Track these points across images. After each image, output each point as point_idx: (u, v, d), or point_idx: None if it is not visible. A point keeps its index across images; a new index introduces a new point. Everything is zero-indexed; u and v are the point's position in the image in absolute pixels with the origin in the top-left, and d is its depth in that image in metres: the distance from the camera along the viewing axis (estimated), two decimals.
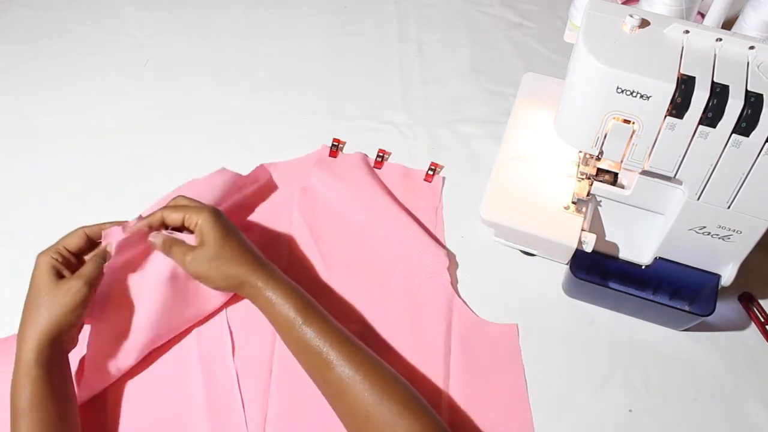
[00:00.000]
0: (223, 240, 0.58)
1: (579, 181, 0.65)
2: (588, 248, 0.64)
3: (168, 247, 0.59)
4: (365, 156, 0.79)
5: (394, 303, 0.67)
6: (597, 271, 0.68)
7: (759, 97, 0.49)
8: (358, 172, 0.75)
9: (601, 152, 0.58)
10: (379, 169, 0.78)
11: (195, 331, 0.64)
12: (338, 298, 0.67)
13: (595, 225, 0.68)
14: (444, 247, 0.71)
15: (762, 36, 0.76)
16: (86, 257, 0.58)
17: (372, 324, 0.66)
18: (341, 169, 0.76)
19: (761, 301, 0.68)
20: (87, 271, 0.56)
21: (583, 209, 0.66)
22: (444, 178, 0.78)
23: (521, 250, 0.72)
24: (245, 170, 0.77)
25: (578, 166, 0.65)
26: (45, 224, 0.73)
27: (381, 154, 0.79)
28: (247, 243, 0.60)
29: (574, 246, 0.64)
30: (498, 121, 0.84)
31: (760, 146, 0.51)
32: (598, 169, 0.65)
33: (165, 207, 0.60)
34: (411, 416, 0.51)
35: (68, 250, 0.57)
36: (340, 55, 0.93)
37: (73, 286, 0.54)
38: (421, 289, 0.68)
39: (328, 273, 0.69)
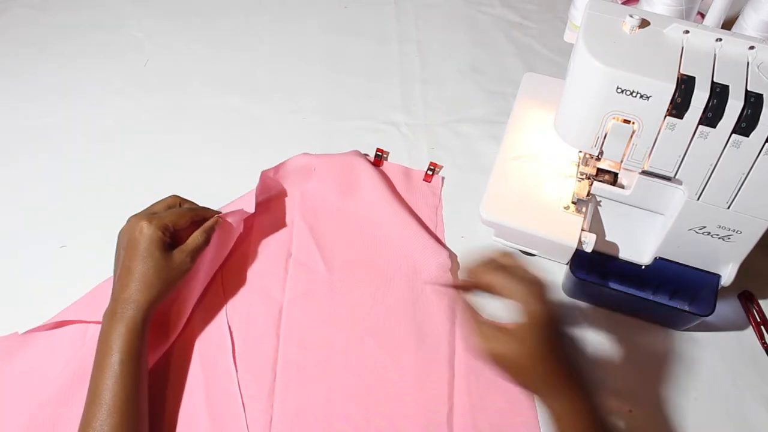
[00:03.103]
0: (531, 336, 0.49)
1: (579, 181, 0.65)
2: (588, 248, 0.64)
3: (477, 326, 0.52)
4: (365, 155, 0.79)
5: (396, 304, 0.67)
6: (597, 271, 0.68)
7: (759, 97, 0.49)
8: (359, 172, 0.75)
9: (601, 152, 0.58)
10: (379, 166, 0.78)
11: (195, 330, 0.64)
12: (340, 299, 0.67)
13: (595, 225, 0.68)
14: (445, 247, 0.71)
15: (762, 36, 0.76)
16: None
17: (375, 325, 0.65)
18: (342, 169, 0.76)
19: (761, 301, 0.68)
20: (194, 247, 0.60)
21: (583, 209, 0.66)
22: (443, 178, 0.78)
23: (521, 250, 0.72)
24: (245, 170, 0.77)
25: (578, 166, 0.65)
26: (45, 224, 0.74)
27: (379, 153, 0.79)
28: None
29: (574, 246, 0.64)
30: (498, 121, 0.84)
31: (760, 146, 0.51)
32: (598, 169, 0.65)
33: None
34: None
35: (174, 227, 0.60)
36: (340, 55, 0.93)
37: (184, 260, 0.59)
38: (423, 290, 0.68)
39: (330, 275, 0.69)
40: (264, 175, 0.72)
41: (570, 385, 0.50)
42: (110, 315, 0.56)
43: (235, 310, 0.66)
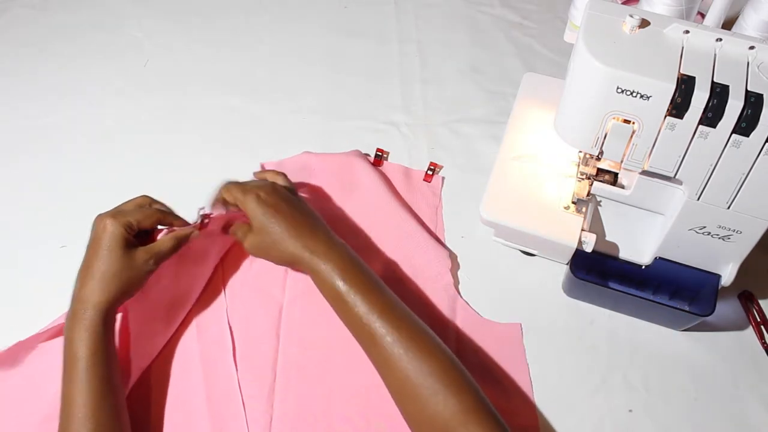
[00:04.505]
0: (267, 224, 0.59)
1: (579, 181, 0.65)
2: (588, 248, 0.64)
3: (234, 231, 0.62)
4: (365, 155, 0.79)
5: None
6: (597, 271, 0.68)
7: (759, 97, 0.49)
8: (359, 171, 0.75)
9: (601, 152, 0.58)
10: (379, 166, 0.78)
11: (195, 330, 0.64)
12: None
13: (595, 225, 0.68)
14: (446, 247, 0.71)
15: (762, 36, 0.76)
16: (161, 236, 0.60)
17: None
18: (341, 169, 0.76)
19: (761, 301, 0.68)
20: (159, 249, 0.58)
21: (583, 209, 0.66)
22: (443, 178, 0.78)
23: (521, 250, 0.72)
24: (245, 170, 0.77)
25: (578, 166, 0.65)
26: (45, 224, 0.74)
27: (379, 153, 0.79)
28: (298, 218, 0.60)
29: (574, 246, 0.64)
30: (498, 121, 0.84)
31: (760, 146, 0.51)
32: (598, 169, 0.65)
33: (223, 189, 0.63)
34: (451, 389, 0.51)
35: (139, 226, 0.59)
36: (340, 55, 0.93)
37: (147, 260, 0.57)
38: (424, 291, 0.68)
39: None
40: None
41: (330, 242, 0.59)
42: (71, 318, 0.55)
43: (235, 309, 0.66)
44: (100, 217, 0.57)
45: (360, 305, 0.55)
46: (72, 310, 0.55)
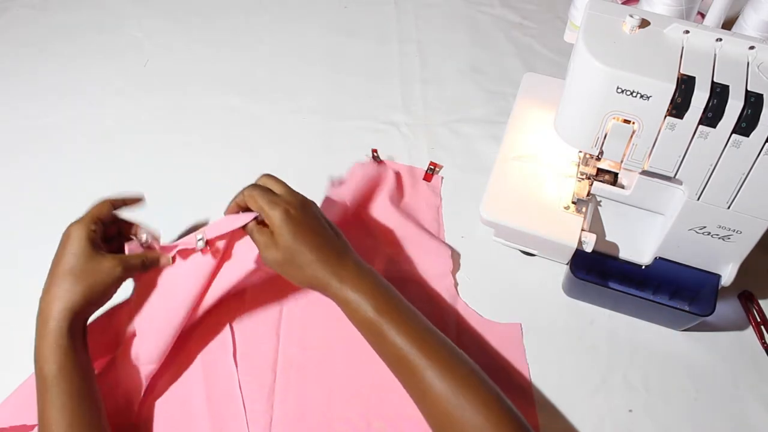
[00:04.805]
0: (294, 246, 0.54)
1: (579, 181, 0.65)
2: (588, 248, 0.64)
3: (252, 231, 0.57)
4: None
5: None
6: (597, 271, 0.68)
7: (759, 97, 0.49)
8: (359, 172, 0.75)
9: (601, 152, 0.58)
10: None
11: (197, 331, 0.64)
12: None
13: (595, 225, 0.68)
14: (449, 246, 0.71)
15: (762, 36, 0.76)
16: (129, 250, 0.57)
17: None
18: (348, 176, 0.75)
19: (761, 301, 0.68)
20: (129, 261, 0.55)
21: (583, 209, 0.66)
22: (443, 178, 0.78)
23: (521, 250, 0.72)
24: (245, 170, 0.77)
25: (578, 166, 0.65)
26: (45, 224, 0.73)
27: (375, 154, 0.78)
28: (324, 241, 0.56)
29: (574, 246, 0.64)
30: (498, 121, 0.84)
31: (760, 146, 0.51)
32: (598, 169, 0.65)
33: (247, 195, 0.57)
34: (494, 419, 0.49)
35: (102, 221, 0.56)
36: (340, 55, 0.93)
37: (114, 267, 0.54)
38: (425, 290, 0.68)
39: None
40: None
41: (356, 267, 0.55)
42: (36, 333, 0.52)
43: (236, 309, 0.66)
44: (66, 229, 0.55)
45: (395, 336, 0.52)
46: (37, 319, 0.52)
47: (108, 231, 0.58)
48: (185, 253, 0.60)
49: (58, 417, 0.50)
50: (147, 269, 0.57)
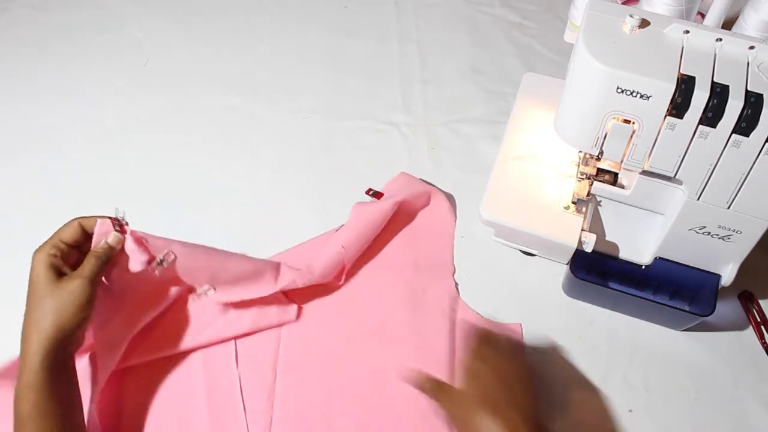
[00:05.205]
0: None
1: (579, 181, 0.65)
2: (588, 248, 0.64)
3: (431, 391, 0.54)
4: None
5: (398, 305, 0.67)
6: (597, 271, 0.68)
7: (759, 97, 0.49)
8: (359, 213, 0.71)
9: (601, 152, 0.58)
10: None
11: (198, 331, 0.64)
12: (341, 300, 0.67)
13: (595, 225, 0.68)
14: (451, 248, 0.71)
15: (762, 36, 0.76)
16: (97, 233, 0.54)
17: (376, 326, 0.65)
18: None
19: (761, 301, 0.68)
20: (88, 269, 0.52)
21: (583, 209, 0.66)
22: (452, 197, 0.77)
23: (521, 250, 0.72)
24: (245, 170, 0.77)
25: (578, 166, 0.65)
26: (44, 225, 0.73)
27: (371, 192, 0.75)
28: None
29: (574, 246, 0.64)
30: (498, 121, 0.84)
31: (760, 146, 0.51)
32: (598, 169, 0.65)
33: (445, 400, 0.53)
34: None
35: (65, 243, 0.53)
36: (340, 55, 0.93)
37: (77, 286, 0.51)
38: (425, 292, 0.68)
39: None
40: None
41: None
42: (20, 367, 0.50)
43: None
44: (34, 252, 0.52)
45: None
46: (20, 363, 0.50)
47: (81, 249, 0.54)
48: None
49: None
50: (109, 261, 0.53)
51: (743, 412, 0.62)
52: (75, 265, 0.53)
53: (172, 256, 0.57)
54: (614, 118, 0.54)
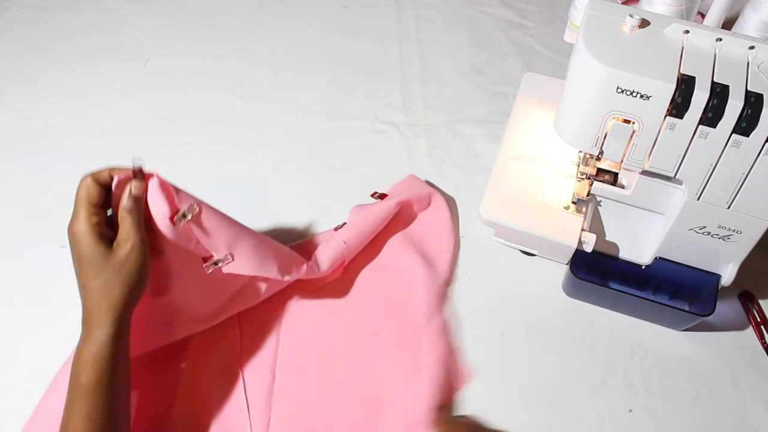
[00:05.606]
0: None
1: (579, 181, 0.65)
2: (588, 248, 0.64)
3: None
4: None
5: (397, 306, 0.67)
6: (597, 271, 0.68)
7: (759, 97, 0.49)
8: (360, 213, 0.71)
9: (601, 152, 0.58)
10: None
11: (206, 331, 0.64)
12: (341, 300, 0.67)
13: (595, 225, 0.68)
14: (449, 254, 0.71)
15: (762, 36, 0.76)
16: (117, 182, 0.52)
17: (375, 326, 0.66)
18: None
19: (761, 301, 0.68)
20: (134, 230, 0.50)
21: (583, 209, 0.66)
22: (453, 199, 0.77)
23: (521, 250, 0.72)
24: (245, 170, 0.77)
25: (578, 166, 0.65)
26: (45, 224, 0.74)
27: (376, 194, 0.75)
28: None
29: (574, 246, 0.64)
30: (498, 121, 0.84)
31: (760, 146, 0.51)
32: (598, 169, 0.65)
33: None
34: None
35: (97, 206, 0.51)
36: (340, 55, 0.93)
37: (133, 250, 0.49)
38: (422, 291, 0.67)
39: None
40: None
41: None
42: (82, 334, 0.49)
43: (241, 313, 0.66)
44: (68, 230, 0.50)
45: None
46: (80, 338, 0.49)
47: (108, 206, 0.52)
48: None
49: (83, 427, 0.47)
50: (140, 209, 0.51)
51: (743, 412, 0.62)
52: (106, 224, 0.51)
53: (197, 209, 0.54)
54: (614, 118, 0.54)
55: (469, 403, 0.62)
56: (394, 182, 0.77)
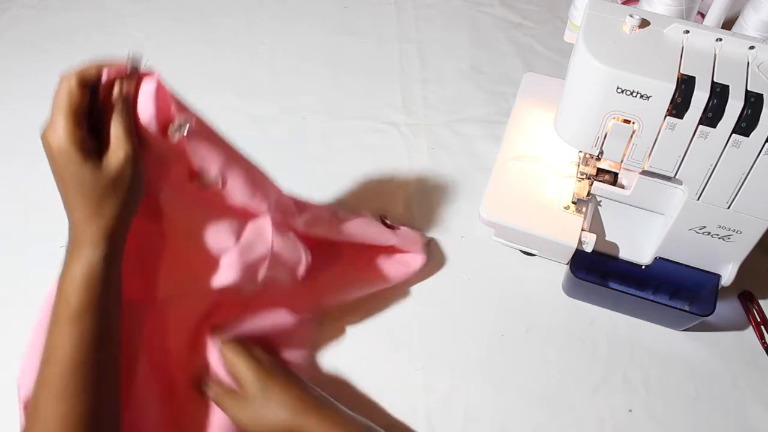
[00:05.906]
0: (264, 389, 0.53)
1: (579, 181, 0.65)
2: (588, 248, 0.64)
3: (218, 398, 0.56)
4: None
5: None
6: (597, 271, 0.68)
7: (759, 97, 0.49)
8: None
9: (601, 152, 0.58)
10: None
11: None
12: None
13: (595, 225, 0.68)
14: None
15: (762, 36, 0.76)
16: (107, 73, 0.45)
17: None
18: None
19: (761, 301, 0.68)
20: (125, 141, 0.44)
21: (583, 209, 0.66)
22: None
23: (521, 250, 0.72)
24: None
25: (578, 166, 0.65)
26: (45, 224, 0.73)
27: (385, 221, 0.73)
28: (295, 381, 0.56)
29: (574, 246, 0.64)
30: (498, 121, 0.84)
31: (760, 146, 0.51)
32: (598, 169, 0.65)
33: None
34: None
35: (81, 109, 0.44)
36: (340, 55, 0.93)
37: (126, 162, 0.43)
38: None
39: None
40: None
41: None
42: (68, 254, 0.45)
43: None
44: (43, 138, 0.43)
45: None
46: (67, 254, 0.45)
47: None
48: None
49: (74, 352, 0.43)
50: (131, 110, 0.45)
51: (743, 412, 0.62)
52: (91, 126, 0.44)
53: (193, 121, 0.48)
54: (614, 118, 0.54)
55: (469, 403, 0.62)
56: (394, 182, 0.77)
